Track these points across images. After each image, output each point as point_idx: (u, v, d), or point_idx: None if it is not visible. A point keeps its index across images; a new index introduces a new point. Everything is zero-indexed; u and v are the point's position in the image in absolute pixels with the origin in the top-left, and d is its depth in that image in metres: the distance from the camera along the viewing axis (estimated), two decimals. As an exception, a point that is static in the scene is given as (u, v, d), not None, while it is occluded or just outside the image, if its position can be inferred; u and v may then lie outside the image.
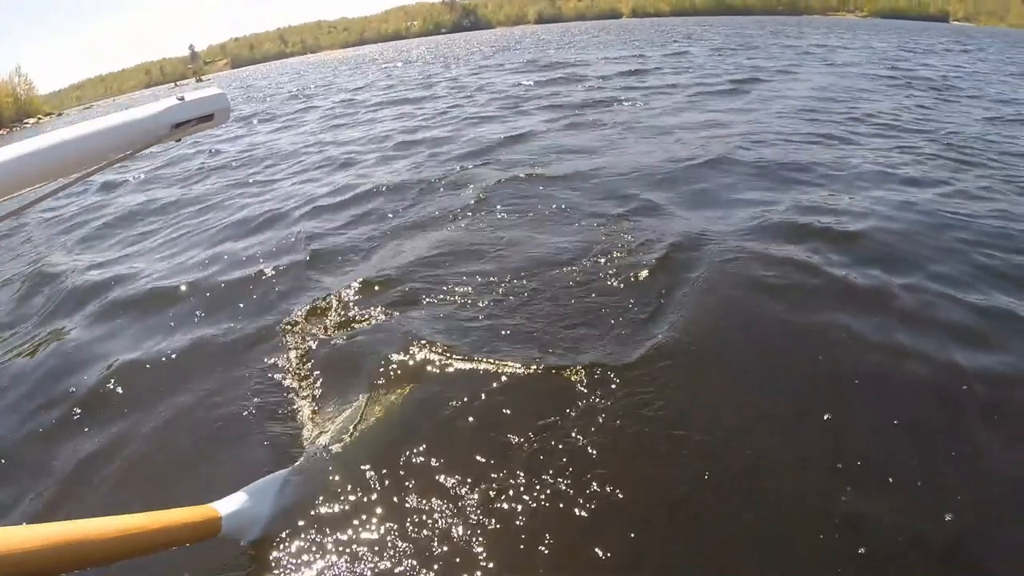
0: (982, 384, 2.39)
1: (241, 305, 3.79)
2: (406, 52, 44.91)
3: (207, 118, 1.80)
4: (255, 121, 14.57)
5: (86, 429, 2.79)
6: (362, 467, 2.13)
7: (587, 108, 9.51)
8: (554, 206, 4.76)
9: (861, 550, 1.75)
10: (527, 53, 25.88)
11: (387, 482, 2.07)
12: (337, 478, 2.09)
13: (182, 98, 1.72)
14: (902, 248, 3.62)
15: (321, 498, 2.02)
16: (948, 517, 1.84)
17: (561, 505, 1.95)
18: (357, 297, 3.54)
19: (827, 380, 2.45)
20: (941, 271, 3.33)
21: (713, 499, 1.98)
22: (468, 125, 9.15)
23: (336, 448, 2.24)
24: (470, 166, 6.52)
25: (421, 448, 2.20)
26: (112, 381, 3.10)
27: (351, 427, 2.37)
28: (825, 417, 2.25)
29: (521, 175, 5.69)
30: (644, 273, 3.36)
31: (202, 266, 4.62)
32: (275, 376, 2.93)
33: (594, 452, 2.14)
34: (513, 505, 1.95)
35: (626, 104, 9.63)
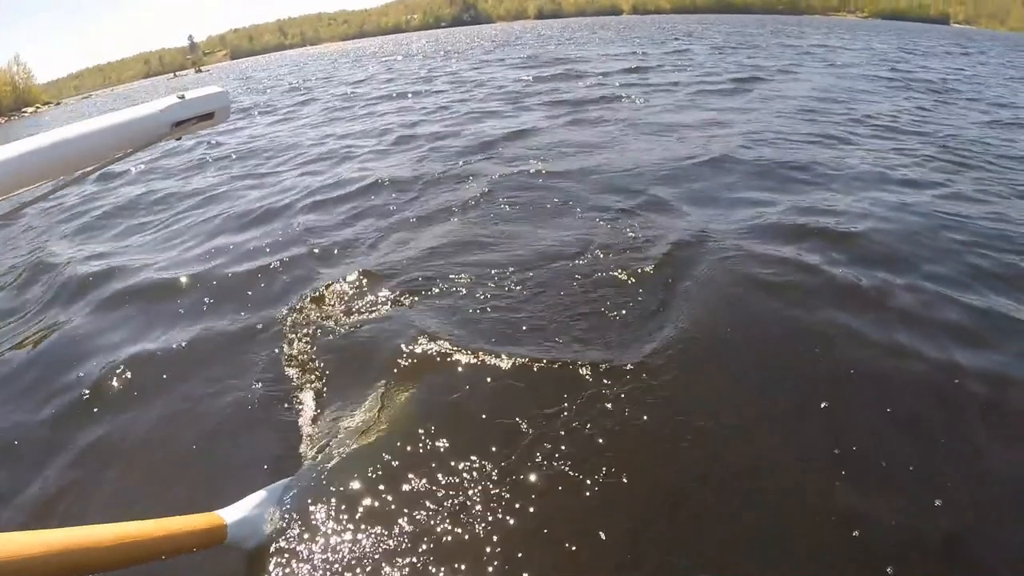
0: (980, 384, 2.42)
1: (243, 297, 3.78)
2: (406, 45, 44.80)
3: (207, 116, 1.80)
4: (255, 113, 14.54)
5: (89, 422, 2.77)
6: (367, 472, 2.11)
7: (589, 104, 9.52)
8: (557, 201, 4.78)
9: (860, 549, 1.77)
10: (527, 48, 25.85)
11: (393, 487, 2.05)
12: (342, 484, 2.07)
13: (183, 97, 1.71)
14: (901, 249, 3.64)
15: (326, 505, 1.99)
16: (947, 516, 1.86)
17: (563, 504, 1.96)
18: (361, 290, 3.55)
19: (827, 379, 2.47)
20: (939, 272, 3.37)
21: (713, 497, 1.99)
22: (469, 120, 9.14)
23: (341, 453, 2.22)
24: (472, 161, 6.54)
25: (427, 452, 2.19)
26: (115, 373, 3.08)
27: (356, 430, 2.35)
28: (825, 416, 2.27)
29: (523, 171, 5.70)
30: (645, 270, 3.37)
31: (203, 258, 4.62)
32: (280, 370, 2.91)
33: (596, 449, 2.16)
34: (516, 507, 1.95)
35: (627, 101, 9.63)
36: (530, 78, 13.68)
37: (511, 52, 24.44)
